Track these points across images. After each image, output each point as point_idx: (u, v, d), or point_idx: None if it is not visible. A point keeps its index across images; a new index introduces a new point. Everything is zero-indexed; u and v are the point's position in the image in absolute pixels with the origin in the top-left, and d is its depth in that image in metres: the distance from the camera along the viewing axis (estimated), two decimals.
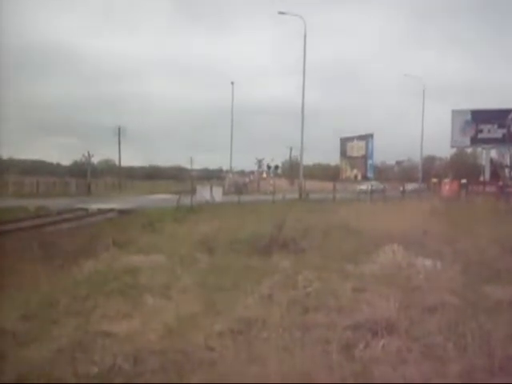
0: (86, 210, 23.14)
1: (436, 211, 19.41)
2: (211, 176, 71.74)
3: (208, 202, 27.48)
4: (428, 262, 9.88)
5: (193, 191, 28.54)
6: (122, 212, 22.87)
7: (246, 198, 32.60)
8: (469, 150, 74.80)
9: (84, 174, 64.20)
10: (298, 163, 79.91)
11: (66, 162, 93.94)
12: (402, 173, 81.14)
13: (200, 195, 28.97)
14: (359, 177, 44.55)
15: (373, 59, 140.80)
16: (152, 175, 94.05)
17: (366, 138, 42.98)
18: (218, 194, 30.75)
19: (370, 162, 42.92)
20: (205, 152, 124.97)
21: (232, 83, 59.20)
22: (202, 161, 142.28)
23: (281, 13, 39.22)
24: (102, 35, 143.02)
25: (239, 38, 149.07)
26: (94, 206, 24.70)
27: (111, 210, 23.19)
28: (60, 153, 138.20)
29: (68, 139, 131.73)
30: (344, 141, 46.88)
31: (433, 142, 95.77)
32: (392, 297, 7.04)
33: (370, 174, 44.11)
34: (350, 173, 45.92)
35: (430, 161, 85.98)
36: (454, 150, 74.66)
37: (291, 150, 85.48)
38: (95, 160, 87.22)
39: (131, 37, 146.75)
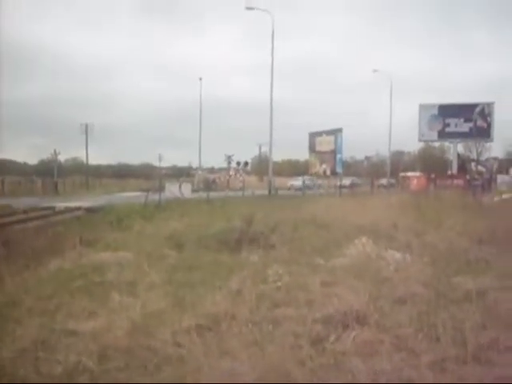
0: (53, 208, 22.71)
1: (404, 205, 19.56)
2: (181, 173, 71.27)
3: (177, 198, 27.22)
4: (398, 255, 9.89)
5: (161, 188, 28.24)
6: (89, 210, 22.49)
7: (215, 194, 32.42)
8: (436, 145, 75.90)
9: (51, 173, 63.27)
10: (268, 160, 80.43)
11: (33, 161, 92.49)
12: (371, 168, 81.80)
13: (169, 192, 28.71)
14: (328, 172, 44.58)
15: (340, 56, 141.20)
16: (121, 173, 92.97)
17: (335, 132, 43.01)
18: (187, 191, 30.51)
19: (338, 156, 42.98)
20: (174, 149, 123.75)
21: (200, 79, 59.13)
22: (172, 158, 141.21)
23: (249, 8, 39.16)
24: (72, 33, 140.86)
25: (208, 34, 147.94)
26: (61, 205, 24.27)
27: (78, 208, 22.79)
28: (27, 152, 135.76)
29: (35, 138, 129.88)
30: (313, 135, 46.86)
31: (401, 137, 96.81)
32: (362, 289, 7.02)
33: (339, 169, 44.18)
34: (318, 168, 45.95)
35: (398, 155, 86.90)
36: (421, 145, 75.81)
37: (260, 146, 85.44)
38: (62, 159, 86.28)
39: (100, 36, 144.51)
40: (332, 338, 5.11)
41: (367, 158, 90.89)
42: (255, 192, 35.97)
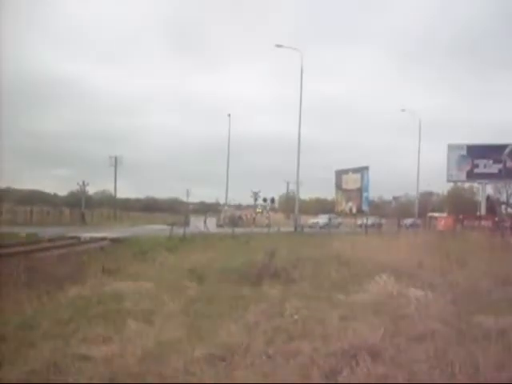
0: (79, 238, 22.93)
1: (430, 244, 19.26)
2: (208, 209, 71.67)
3: (202, 232, 27.30)
4: (419, 293, 9.73)
5: (187, 222, 28.36)
6: (114, 241, 22.64)
7: (241, 230, 32.43)
8: (465, 186, 75.04)
9: (80, 204, 64.05)
10: (295, 197, 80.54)
11: (63, 192, 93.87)
12: (399, 208, 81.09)
13: (194, 226, 28.83)
14: (354, 210, 44.29)
15: (368, 96, 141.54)
16: (148, 207, 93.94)
17: (362, 170, 42.85)
18: (211, 225, 30.60)
19: (365, 194, 42.71)
20: (202, 185, 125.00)
21: (229, 115, 59.39)
22: (200, 194, 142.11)
23: (278, 46, 39.64)
24: (101, 70, 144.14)
25: (237, 73, 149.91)
26: (87, 235, 24.50)
27: (104, 239, 22.95)
28: (58, 184, 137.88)
29: (66, 171, 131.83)
30: (339, 173, 46.78)
31: (430, 178, 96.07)
32: (379, 325, 6.92)
33: (365, 207, 43.86)
34: (344, 206, 45.69)
35: (426, 196, 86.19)
36: (450, 186, 75.05)
37: (288, 184, 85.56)
38: (92, 191, 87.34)
39: (131, 73, 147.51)
40: (345, 372, 5.01)
41: (395, 198, 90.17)
42: (281, 229, 35.86)
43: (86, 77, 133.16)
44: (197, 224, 29.27)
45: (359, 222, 43.54)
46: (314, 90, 76.65)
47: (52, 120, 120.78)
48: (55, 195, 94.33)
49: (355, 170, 44.09)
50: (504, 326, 6.97)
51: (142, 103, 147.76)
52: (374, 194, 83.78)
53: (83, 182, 65.79)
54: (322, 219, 51.72)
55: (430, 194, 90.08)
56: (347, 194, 45.24)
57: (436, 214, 56.14)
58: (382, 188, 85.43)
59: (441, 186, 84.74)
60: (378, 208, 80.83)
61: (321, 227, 43.64)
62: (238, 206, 77.46)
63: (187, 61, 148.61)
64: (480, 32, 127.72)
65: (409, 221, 54.52)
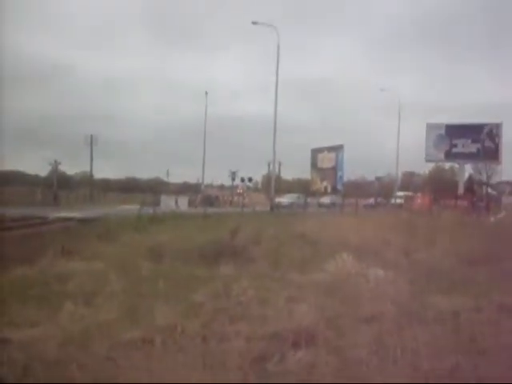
0: (45, 218, 22.39)
1: (402, 224, 19.03)
2: (189, 189, 71.20)
3: (173, 212, 26.87)
4: (380, 272, 9.41)
5: (156, 202, 27.89)
6: (82, 221, 22.13)
7: (214, 210, 32.03)
8: (446, 166, 75.22)
9: (60, 185, 63.28)
10: (277, 179, 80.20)
11: (44, 173, 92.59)
12: (382, 188, 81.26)
13: (164, 205, 28.36)
14: (329, 189, 44.03)
15: (347, 76, 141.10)
16: (128, 188, 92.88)
17: (336, 149, 42.53)
18: (183, 205, 30.16)
19: (339, 173, 42.43)
20: (184, 166, 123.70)
21: (206, 93, 58.66)
22: (182, 175, 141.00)
23: (254, 23, 38.96)
24: (85, 51, 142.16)
25: (214, 52, 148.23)
26: (55, 215, 23.97)
27: (71, 219, 22.44)
28: (41, 165, 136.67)
29: (49, 151, 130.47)
30: (315, 152, 46.34)
31: (412, 159, 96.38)
32: (328, 306, 6.58)
33: (339, 186, 43.63)
34: (319, 185, 45.41)
35: (408, 176, 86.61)
36: (432, 166, 75.22)
37: (269, 164, 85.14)
38: (72, 171, 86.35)
39: (112, 55, 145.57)
40: (276, 358, 4.64)
41: (378, 178, 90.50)
42: (257, 208, 35.52)
43: (72, 57, 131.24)
44: (167, 203, 28.76)
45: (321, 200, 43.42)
46: (292, 71, 75.84)
47: (37, 102, 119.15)
48: (36, 176, 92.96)
49: (330, 149, 43.77)
50: (458, 308, 6.66)
51: (126, 85, 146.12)
52: (355, 174, 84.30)
53: (55, 162, 65.06)
54: (286, 199, 50.80)
55: (412, 174, 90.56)
56: (322, 172, 44.90)
57: (400, 193, 56.37)
58: (364, 168, 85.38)
59: (423, 167, 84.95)
60: (359, 188, 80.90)
61: (284, 207, 42.79)
62: (221, 187, 77.12)
63: (167, 43, 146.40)
64: (450, 14, 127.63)
65: (369, 201, 54.83)
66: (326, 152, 44.17)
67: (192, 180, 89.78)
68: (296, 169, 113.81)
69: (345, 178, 54.37)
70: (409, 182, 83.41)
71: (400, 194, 57.45)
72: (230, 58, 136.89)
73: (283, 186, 76.13)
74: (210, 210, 30.27)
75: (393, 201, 53.59)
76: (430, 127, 49.11)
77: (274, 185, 42.41)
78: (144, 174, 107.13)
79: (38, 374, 4.47)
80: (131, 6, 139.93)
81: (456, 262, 10.79)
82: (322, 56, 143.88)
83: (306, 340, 4.96)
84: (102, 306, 6.79)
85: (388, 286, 8.07)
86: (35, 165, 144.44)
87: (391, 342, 5.06)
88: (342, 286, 8.15)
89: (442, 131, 48.31)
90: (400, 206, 44.82)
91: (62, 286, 8.09)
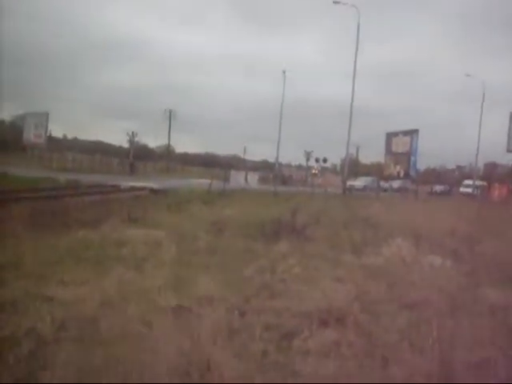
0: (118, 186, 23.02)
1: (474, 213, 18.38)
2: (268, 167, 71.58)
3: (243, 188, 26.97)
4: (437, 260, 9.15)
5: (226, 177, 28.02)
6: (153, 191, 22.58)
7: (286, 188, 31.95)
8: None
9: (139, 156, 64.87)
10: (355, 162, 79.09)
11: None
12: (462, 177, 78.99)
13: (234, 181, 28.45)
14: (401, 174, 42.90)
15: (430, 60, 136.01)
16: (207, 162, 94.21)
17: (411, 133, 41.13)
18: (253, 181, 30.19)
19: (412, 158, 41.14)
20: (262, 144, 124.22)
21: (284, 72, 57.98)
22: (260, 153, 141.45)
23: (335, 2, 38.20)
24: (168, 29, 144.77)
25: (293, 32, 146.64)
26: (129, 184, 24.60)
27: (143, 189, 22.94)
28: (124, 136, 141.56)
29: (134, 123, 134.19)
30: (389, 136, 45.00)
31: (494, 148, 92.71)
32: (372, 290, 6.46)
33: (412, 172, 42.41)
34: (393, 169, 44.26)
35: (491, 167, 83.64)
36: None
37: (348, 147, 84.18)
38: (154, 144, 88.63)
39: (194, 33, 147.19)
40: (304, 335, 4.60)
41: (459, 167, 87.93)
42: (329, 190, 35.20)
43: (155, 35, 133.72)
44: (237, 179, 28.87)
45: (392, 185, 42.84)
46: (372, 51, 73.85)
47: (122, 76, 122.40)
48: (120, 147, 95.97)
49: (405, 133, 42.49)
50: (510, 303, 6.37)
51: (206, 62, 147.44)
52: (435, 161, 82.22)
53: (132, 133, 66.77)
54: (359, 182, 50.05)
55: (495, 164, 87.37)
56: (396, 157, 43.76)
57: (469, 182, 55.50)
58: (445, 157, 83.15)
59: (507, 158, 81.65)
60: (439, 176, 78.85)
61: (357, 190, 42.12)
62: (299, 167, 76.91)
63: (248, 23, 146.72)
64: None
65: (440, 187, 53.79)
66: (400, 136, 42.92)
67: (271, 159, 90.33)
68: (376, 153, 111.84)
69: (424, 166, 53.16)
70: (491, 172, 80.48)
71: (468, 182, 55.97)
72: (311, 38, 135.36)
73: (361, 170, 75.20)
74: (281, 188, 30.25)
75: (461, 189, 52.34)
76: None
77: (347, 167, 41.84)
78: (223, 150, 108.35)
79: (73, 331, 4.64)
80: None
81: None
82: (404, 37, 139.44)
83: (337, 321, 4.89)
84: (149, 273, 6.94)
85: (440, 275, 7.82)
86: (120, 137, 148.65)
87: (425, 331, 4.92)
88: (393, 270, 7.98)
89: None
90: (468, 194, 43.64)
91: (116, 251, 8.30)
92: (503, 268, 8.89)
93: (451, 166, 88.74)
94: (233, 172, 30.83)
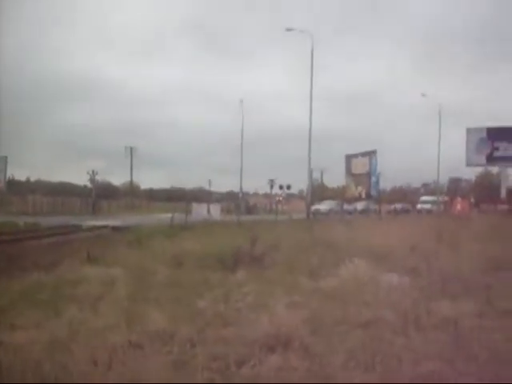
0: (80, 226, 22.80)
1: (435, 228, 18.63)
2: (231, 198, 71.77)
3: (207, 220, 26.96)
4: (394, 278, 9.24)
5: (188, 210, 28.02)
6: (115, 229, 22.45)
7: (250, 217, 31.99)
8: (494, 171, 73.51)
9: (105, 195, 64.42)
10: (320, 186, 79.67)
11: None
12: (427, 194, 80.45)
13: (196, 213, 28.45)
14: (363, 195, 43.44)
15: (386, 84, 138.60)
16: (173, 197, 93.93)
17: (369, 154, 41.81)
18: (215, 213, 30.23)
19: (373, 178, 41.75)
20: (227, 175, 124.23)
21: (241, 101, 58.01)
22: (225, 184, 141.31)
23: (288, 29, 38.80)
24: (124, 66, 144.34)
25: (250, 62, 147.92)
26: (90, 223, 24.38)
27: (105, 227, 22.79)
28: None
29: (97, 162, 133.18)
30: (349, 158, 45.64)
31: (454, 164, 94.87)
32: (325, 312, 6.48)
33: (373, 192, 42.95)
34: (354, 191, 44.81)
35: (455, 182, 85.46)
36: (480, 171, 73.75)
37: (311, 172, 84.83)
38: (119, 182, 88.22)
39: (152, 68, 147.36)
40: (252, 362, 4.59)
41: (424, 184, 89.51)
42: (293, 216, 35.37)
43: (110, 73, 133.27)
44: (199, 211, 28.87)
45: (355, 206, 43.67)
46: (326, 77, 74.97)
47: (79, 114, 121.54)
48: (85, 187, 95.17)
49: (364, 154, 43.19)
50: (462, 315, 6.46)
51: (165, 96, 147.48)
52: (401, 181, 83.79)
53: (93, 172, 66.57)
54: (323, 206, 50.44)
55: (459, 180, 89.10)
56: (356, 178, 44.37)
57: (427, 198, 57.28)
58: (410, 176, 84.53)
59: (469, 173, 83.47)
60: (406, 195, 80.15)
61: (322, 214, 42.42)
62: (266, 195, 77.31)
63: (202, 52, 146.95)
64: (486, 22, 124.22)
65: (399, 206, 54.89)
66: (359, 157, 43.57)
67: (237, 189, 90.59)
68: (340, 176, 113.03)
69: (390, 185, 53.96)
70: (456, 187, 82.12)
71: (426, 198, 57.17)
72: (270, 66, 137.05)
73: (328, 193, 75.75)
74: (245, 217, 30.28)
75: (418, 206, 53.24)
76: (471, 131, 47.76)
77: (310, 192, 42.20)
78: (189, 184, 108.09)
79: (20, 374, 4.56)
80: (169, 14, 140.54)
81: (479, 268, 10.44)
82: (360, 61, 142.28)
83: (284, 345, 4.89)
84: (103, 311, 6.86)
85: (394, 293, 7.89)
86: (84, 177, 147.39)
87: (374, 348, 4.96)
88: (349, 290, 8.02)
89: (484, 135, 47.00)
90: (427, 211, 44.59)
91: (71, 291, 8.21)
92: (459, 281, 9.03)
93: (417, 184, 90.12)
94: (194, 205, 30.87)
